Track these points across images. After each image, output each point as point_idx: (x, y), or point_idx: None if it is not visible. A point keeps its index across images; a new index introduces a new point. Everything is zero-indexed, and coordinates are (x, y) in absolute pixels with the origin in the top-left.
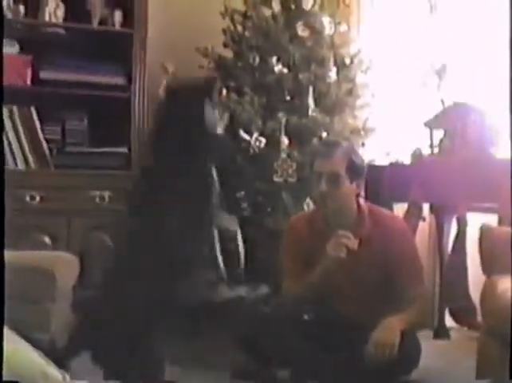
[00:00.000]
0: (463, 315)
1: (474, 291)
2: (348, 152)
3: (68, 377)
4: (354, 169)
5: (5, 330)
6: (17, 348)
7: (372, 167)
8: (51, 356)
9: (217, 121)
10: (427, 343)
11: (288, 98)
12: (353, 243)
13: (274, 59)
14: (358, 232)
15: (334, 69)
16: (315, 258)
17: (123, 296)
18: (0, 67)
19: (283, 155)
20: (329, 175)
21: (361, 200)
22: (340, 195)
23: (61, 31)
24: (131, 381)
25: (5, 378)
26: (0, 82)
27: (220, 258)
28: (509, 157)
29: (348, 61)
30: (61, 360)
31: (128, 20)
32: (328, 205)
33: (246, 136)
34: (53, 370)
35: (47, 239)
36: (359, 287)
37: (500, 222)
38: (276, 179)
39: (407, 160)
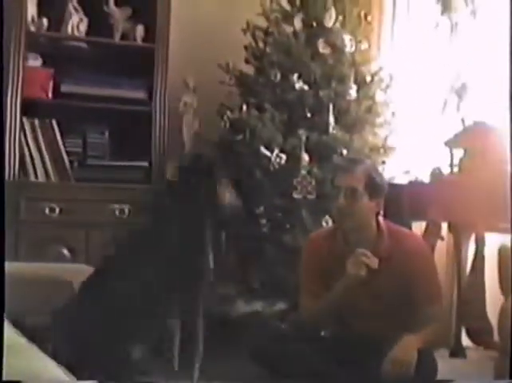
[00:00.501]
0: (480, 335)
1: (492, 311)
2: (368, 169)
3: None
4: (374, 187)
5: (27, 344)
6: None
7: (392, 186)
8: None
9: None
10: (444, 362)
11: (308, 115)
12: (373, 262)
13: (295, 76)
14: (377, 250)
15: (355, 87)
16: (334, 275)
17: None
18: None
19: (303, 171)
20: (347, 189)
21: (381, 219)
22: (358, 211)
23: (83, 45)
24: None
25: None
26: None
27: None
28: None
29: (368, 78)
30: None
31: (149, 35)
32: (346, 220)
33: (267, 153)
34: None
35: (66, 252)
36: (377, 305)
37: None
38: (295, 195)
39: (426, 179)
